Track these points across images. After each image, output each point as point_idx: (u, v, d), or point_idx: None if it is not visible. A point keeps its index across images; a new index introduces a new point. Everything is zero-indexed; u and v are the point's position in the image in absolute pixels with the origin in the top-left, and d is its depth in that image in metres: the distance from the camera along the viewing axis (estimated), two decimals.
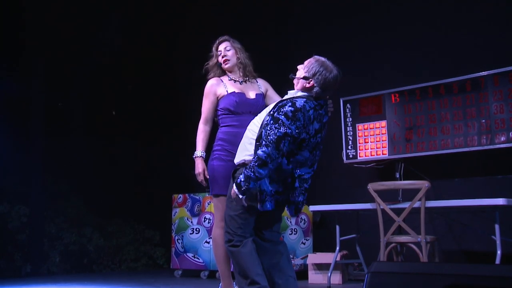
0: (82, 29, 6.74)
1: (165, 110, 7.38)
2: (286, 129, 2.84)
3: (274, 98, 3.57)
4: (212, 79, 3.57)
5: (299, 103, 2.91)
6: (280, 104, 2.98)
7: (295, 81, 3.09)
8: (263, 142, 2.87)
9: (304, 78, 3.00)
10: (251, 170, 2.85)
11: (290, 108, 2.89)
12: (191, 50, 7.03)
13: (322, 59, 3.04)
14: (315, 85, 2.98)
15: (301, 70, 3.06)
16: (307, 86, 3.00)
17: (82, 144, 6.88)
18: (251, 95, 3.52)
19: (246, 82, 3.58)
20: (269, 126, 2.89)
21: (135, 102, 7.36)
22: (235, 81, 3.57)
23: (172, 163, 6.97)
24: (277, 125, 2.86)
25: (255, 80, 3.64)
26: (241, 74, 3.60)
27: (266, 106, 3.49)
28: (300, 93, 3.03)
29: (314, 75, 2.98)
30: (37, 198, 6.25)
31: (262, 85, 3.65)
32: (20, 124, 6.29)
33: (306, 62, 3.07)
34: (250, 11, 6.71)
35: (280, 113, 2.89)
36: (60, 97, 6.93)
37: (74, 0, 6.68)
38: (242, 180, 2.86)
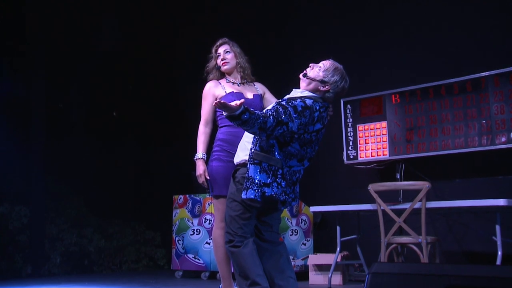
0: (83, 29, 6.73)
1: (165, 111, 7.38)
2: (289, 121, 2.82)
3: (271, 101, 3.59)
4: (210, 81, 3.61)
5: (309, 102, 2.93)
6: (290, 98, 2.99)
7: (305, 81, 3.05)
8: (269, 113, 2.81)
9: (321, 81, 3.00)
10: (259, 118, 2.76)
11: (300, 103, 2.89)
12: (192, 51, 7.03)
13: (341, 67, 3.06)
14: (330, 91, 3.01)
15: (316, 71, 3.03)
16: (321, 89, 3.01)
17: (83, 145, 6.87)
18: (249, 95, 3.55)
19: (244, 84, 3.62)
20: (275, 107, 2.87)
21: (136, 103, 7.35)
22: (233, 83, 3.61)
23: (172, 164, 6.96)
24: (285, 111, 2.84)
25: (252, 84, 3.67)
26: (240, 77, 3.64)
27: (264, 108, 3.52)
28: (307, 93, 3.02)
29: (334, 82, 3.00)
30: (37, 199, 6.25)
31: (259, 88, 3.68)
32: (21, 124, 6.28)
33: (325, 65, 3.04)
34: (251, 11, 6.72)
35: (290, 103, 2.89)
36: (60, 97, 6.92)
37: (74, 1, 6.67)
38: (250, 113, 2.74)
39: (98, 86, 7.07)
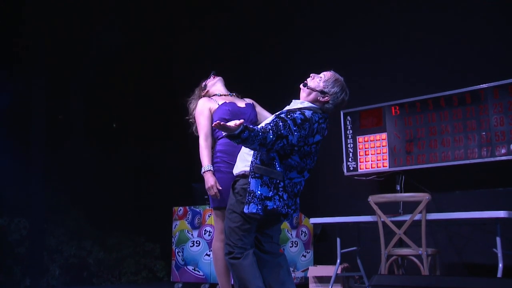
0: (82, 37, 6.73)
1: (166, 124, 7.35)
2: (289, 134, 2.83)
3: (262, 113, 3.67)
4: (202, 98, 3.67)
5: (308, 114, 2.93)
6: (289, 110, 2.99)
7: (305, 90, 3.07)
8: (269, 127, 2.82)
9: (321, 92, 3.01)
10: (258, 135, 2.76)
11: (300, 116, 2.89)
12: (191, 62, 7.04)
13: (341, 79, 3.07)
14: (330, 102, 3.02)
15: (317, 81, 3.04)
16: (321, 99, 3.02)
17: (83, 156, 6.84)
18: (241, 104, 3.61)
19: (234, 96, 3.71)
20: (274, 121, 2.87)
21: (135, 114, 7.34)
22: (225, 95, 3.68)
23: (172, 175, 6.94)
24: (284, 124, 2.84)
25: (243, 99, 3.75)
26: (228, 89, 3.74)
27: (257, 117, 3.60)
28: (307, 104, 3.03)
29: (334, 93, 3.01)
30: (37, 211, 6.20)
31: (249, 101, 3.74)
32: (20, 136, 6.25)
33: (325, 76, 3.06)
34: (248, 20, 6.73)
35: (289, 116, 2.89)
36: (60, 107, 6.90)
37: (74, 9, 6.67)
38: (250, 130, 2.74)
39: (98, 96, 7.05)
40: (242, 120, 2.72)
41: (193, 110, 3.66)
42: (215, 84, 3.75)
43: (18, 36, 6.36)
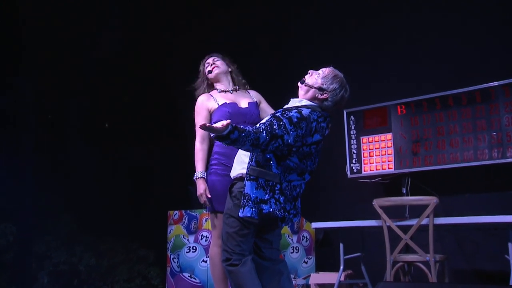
0: (78, 39, 6.70)
1: (161, 126, 7.29)
2: (285, 134, 2.75)
3: (267, 111, 3.56)
4: (202, 95, 3.56)
5: (305, 112, 2.86)
6: (286, 108, 2.93)
7: (303, 88, 3.01)
8: (263, 127, 2.74)
9: (319, 89, 2.95)
10: (250, 135, 2.68)
11: (296, 114, 2.82)
12: (191, 62, 6.95)
13: (341, 75, 3.03)
14: (329, 99, 2.96)
15: (315, 78, 2.99)
16: (319, 97, 2.96)
17: (75, 158, 6.81)
18: (243, 104, 3.49)
19: (237, 91, 3.58)
20: (269, 120, 2.80)
21: (130, 117, 7.27)
22: (225, 91, 3.55)
23: (168, 178, 6.87)
24: (279, 123, 2.76)
25: (247, 91, 3.63)
26: (231, 83, 3.60)
27: (260, 116, 3.50)
28: (305, 102, 2.97)
29: (332, 90, 2.95)
30: (25, 216, 6.14)
31: (254, 96, 3.63)
32: (10, 136, 6.17)
33: (324, 72, 3.01)
34: (250, 19, 6.68)
35: (285, 115, 2.82)
36: (53, 108, 6.86)
37: (70, 10, 6.64)
38: (239, 131, 2.66)
39: (93, 97, 6.99)
40: (229, 121, 2.63)
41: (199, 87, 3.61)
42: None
43: (16, 37, 6.32)
